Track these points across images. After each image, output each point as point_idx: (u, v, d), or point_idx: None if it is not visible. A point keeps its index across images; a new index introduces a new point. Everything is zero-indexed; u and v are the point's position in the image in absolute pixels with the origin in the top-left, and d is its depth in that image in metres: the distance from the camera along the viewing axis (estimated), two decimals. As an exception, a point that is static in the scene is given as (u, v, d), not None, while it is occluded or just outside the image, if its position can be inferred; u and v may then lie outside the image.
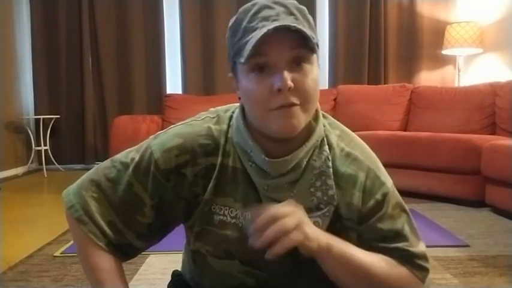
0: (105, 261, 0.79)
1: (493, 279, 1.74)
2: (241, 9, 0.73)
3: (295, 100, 0.69)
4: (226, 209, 0.79)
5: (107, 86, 5.00)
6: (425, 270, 0.80)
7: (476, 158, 2.87)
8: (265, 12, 0.69)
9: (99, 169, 0.84)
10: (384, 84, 4.72)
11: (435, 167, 3.11)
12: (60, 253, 2.09)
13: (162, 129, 0.86)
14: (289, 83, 0.67)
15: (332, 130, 0.83)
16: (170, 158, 0.78)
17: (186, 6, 4.92)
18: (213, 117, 0.83)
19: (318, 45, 0.71)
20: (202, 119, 0.83)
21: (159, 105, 4.77)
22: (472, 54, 4.40)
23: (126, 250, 0.82)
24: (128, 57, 4.99)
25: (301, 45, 0.68)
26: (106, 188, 0.81)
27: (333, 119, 0.86)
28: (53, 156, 4.94)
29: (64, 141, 5.08)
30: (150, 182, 0.79)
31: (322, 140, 0.79)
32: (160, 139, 0.81)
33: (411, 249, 0.79)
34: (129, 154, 0.83)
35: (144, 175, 0.79)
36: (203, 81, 4.97)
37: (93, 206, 0.80)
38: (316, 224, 0.76)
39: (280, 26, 0.65)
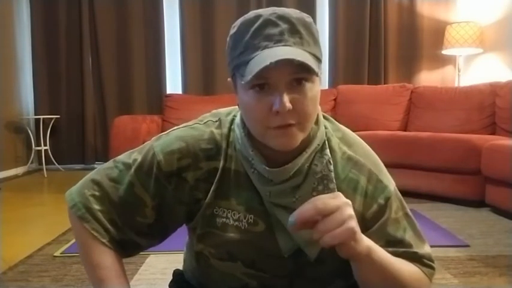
0: (107, 259, 0.79)
1: (493, 279, 1.74)
2: (243, 19, 0.70)
3: (292, 121, 0.68)
4: (229, 212, 0.79)
5: (107, 86, 5.00)
6: (433, 268, 0.83)
7: (476, 158, 2.87)
8: (269, 30, 0.67)
9: (101, 170, 0.85)
10: (384, 84, 4.72)
11: (435, 167, 3.11)
12: (60, 253, 2.09)
13: (162, 130, 0.86)
14: (288, 105, 0.66)
15: (334, 133, 0.82)
16: (172, 160, 0.79)
17: (186, 6, 4.92)
18: (215, 121, 0.83)
19: (320, 60, 0.71)
20: (205, 122, 0.83)
21: (159, 105, 4.77)
22: (472, 54, 4.41)
23: (128, 247, 0.83)
24: (128, 57, 4.99)
25: (303, 70, 0.66)
26: (107, 187, 0.81)
27: (334, 120, 0.85)
28: (53, 156, 4.94)
29: (64, 141, 5.09)
30: (152, 183, 0.79)
31: (324, 143, 0.78)
32: (163, 141, 0.81)
33: (418, 251, 0.81)
34: (132, 155, 0.83)
35: (146, 176, 0.80)
36: (203, 81, 4.97)
37: (95, 204, 0.80)
38: None
39: (282, 59, 0.63)
